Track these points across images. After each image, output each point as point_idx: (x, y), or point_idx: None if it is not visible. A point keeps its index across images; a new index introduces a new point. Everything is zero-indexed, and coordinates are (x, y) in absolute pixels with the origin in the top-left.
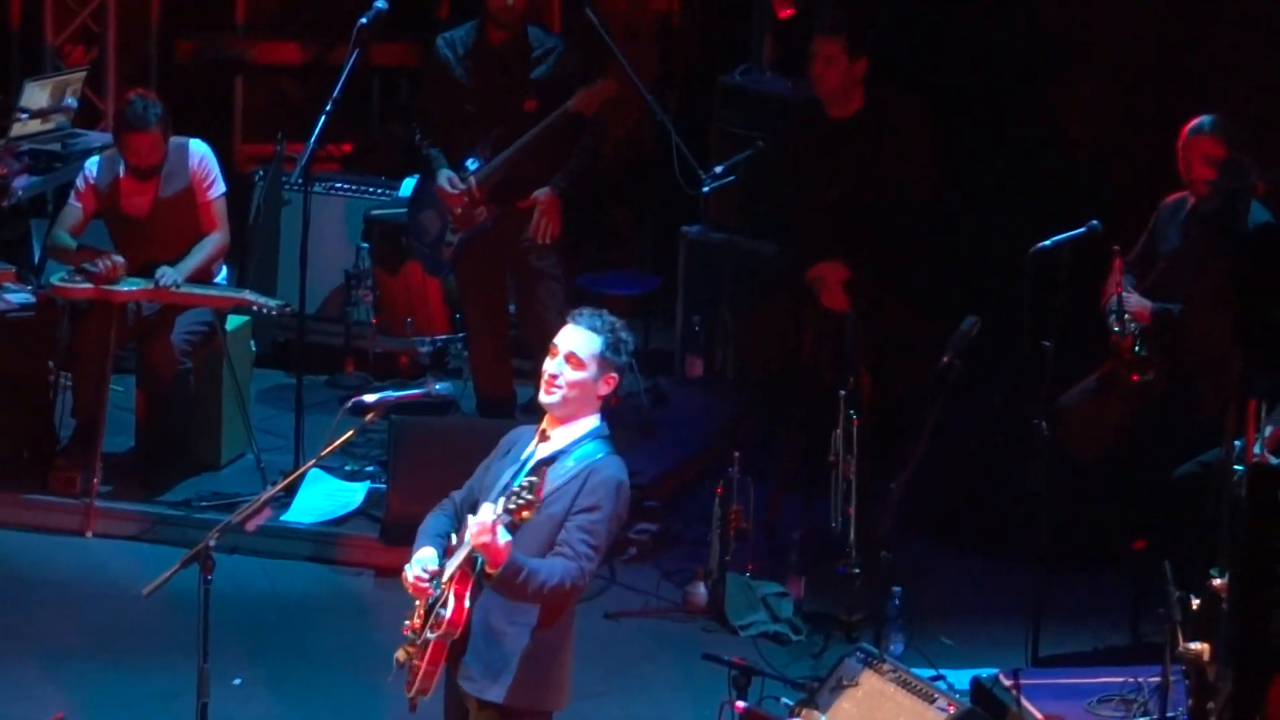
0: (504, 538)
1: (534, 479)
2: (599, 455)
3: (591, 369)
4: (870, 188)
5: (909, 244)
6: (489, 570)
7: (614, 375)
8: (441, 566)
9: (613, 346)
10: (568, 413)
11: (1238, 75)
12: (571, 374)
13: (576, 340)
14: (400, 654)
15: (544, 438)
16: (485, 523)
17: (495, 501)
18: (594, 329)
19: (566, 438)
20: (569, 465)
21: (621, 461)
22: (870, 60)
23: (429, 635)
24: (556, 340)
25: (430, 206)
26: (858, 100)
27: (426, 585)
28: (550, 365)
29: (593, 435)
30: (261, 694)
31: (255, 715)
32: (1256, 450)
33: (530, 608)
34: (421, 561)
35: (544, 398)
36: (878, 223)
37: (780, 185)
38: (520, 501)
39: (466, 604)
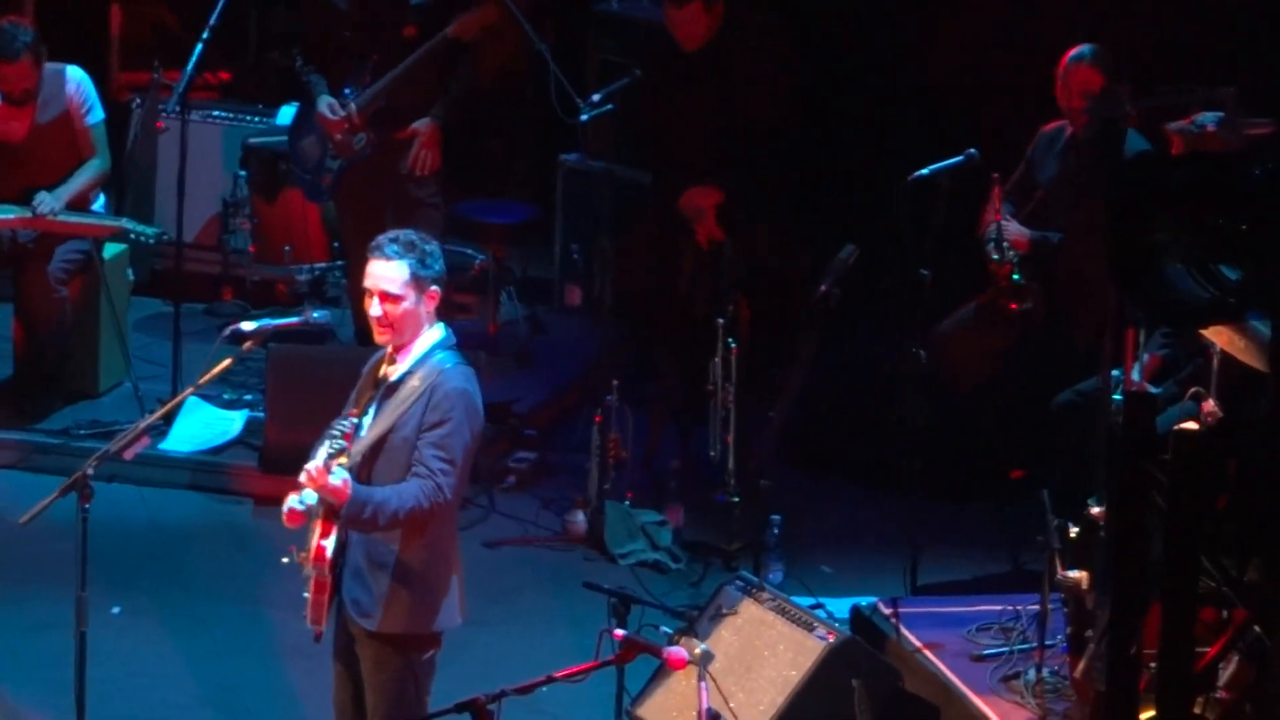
0: (338, 478)
1: (346, 424)
2: (444, 368)
3: (410, 296)
4: (727, 115)
5: (773, 170)
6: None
7: (434, 288)
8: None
9: (420, 263)
10: (405, 340)
11: (1116, 2)
12: (392, 309)
13: (385, 276)
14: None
15: (392, 361)
16: (312, 472)
17: (321, 445)
18: (396, 255)
19: (410, 358)
20: (413, 384)
21: (469, 370)
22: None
23: (308, 570)
24: (365, 281)
25: (310, 133)
26: (714, 30)
27: (301, 516)
28: (371, 309)
29: (438, 347)
30: (140, 623)
31: (134, 644)
32: (1135, 378)
33: (391, 534)
34: (297, 497)
35: (379, 340)
36: (740, 150)
37: (646, 114)
38: (337, 448)
39: (322, 541)
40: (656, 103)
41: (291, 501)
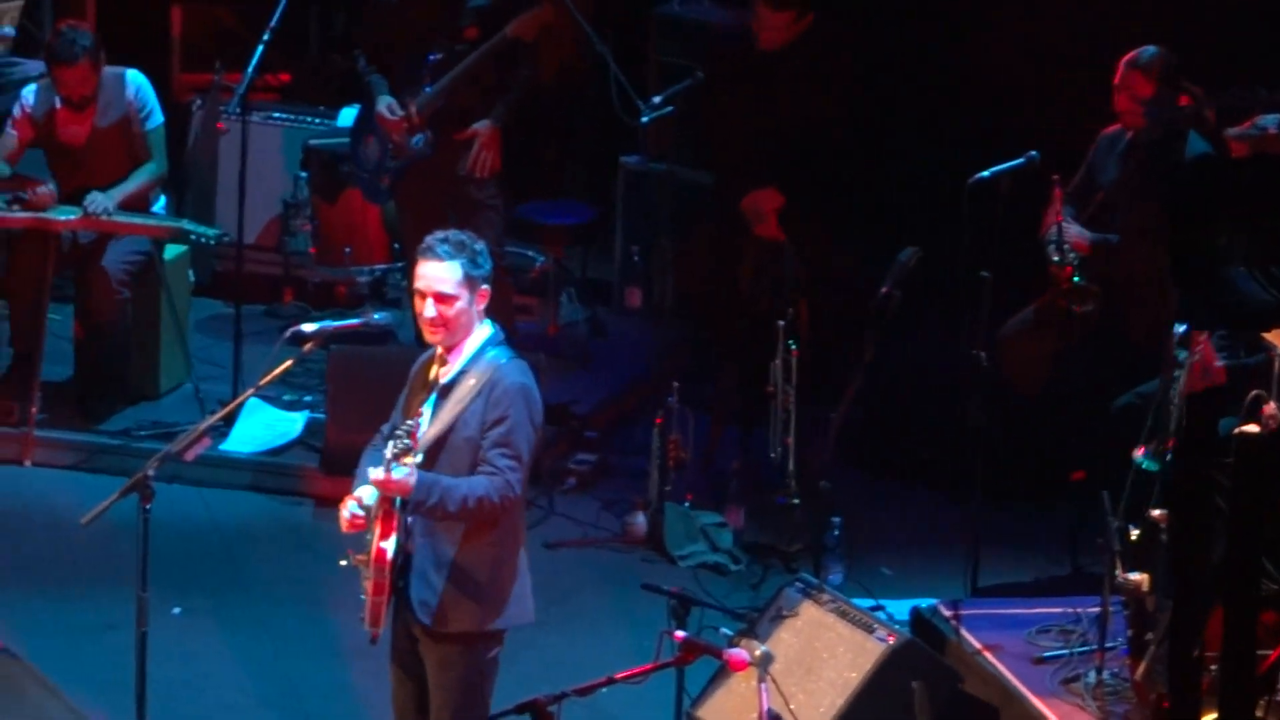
0: (398, 474)
1: (411, 424)
2: (500, 363)
3: (463, 296)
4: (794, 118)
5: (837, 174)
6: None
7: (485, 287)
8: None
9: (472, 263)
10: (457, 340)
11: (1180, 5)
12: (447, 310)
13: (438, 275)
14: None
15: (443, 362)
16: (378, 478)
17: (386, 445)
18: (448, 256)
19: (463, 357)
20: (470, 384)
21: (523, 364)
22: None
23: (367, 573)
24: (418, 283)
25: (371, 134)
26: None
27: (362, 521)
28: (424, 310)
29: (489, 345)
30: (201, 623)
31: (195, 645)
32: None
33: (456, 532)
34: (354, 502)
35: (431, 340)
36: (805, 153)
37: (710, 115)
38: (401, 447)
39: (382, 543)
40: (723, 102)
41: (351, 508)
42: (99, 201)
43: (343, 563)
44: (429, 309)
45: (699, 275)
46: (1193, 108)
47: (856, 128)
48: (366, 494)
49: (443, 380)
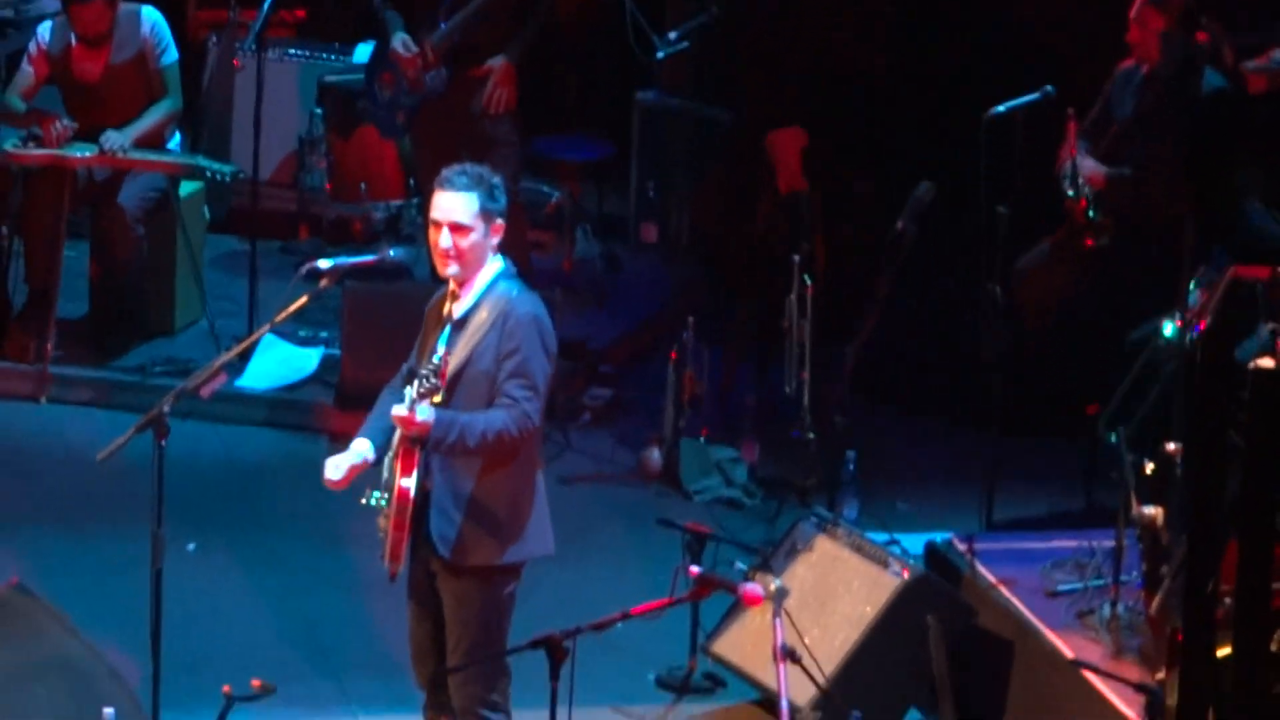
0: (422, 414)
1: (436, 362)
2: (511, 295)
3: (479, 228)
4: (829, 55)
5: (866, 112)
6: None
7: (500, 221)
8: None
9: (489, 195)
10: (471, 273)
11: None
12: (462, 241)
13: (454, 207)
14: (380, 519)
15: (455, 298)
16: (401, 415)
17: (412, 384)
18: (466, 188)
19: (475, 291)
20: (483, 317)
21: (535, 296)
22: None
23: (388, 510)
24: (434, 214)
25: (385, 69)
26: None
27: (342, 484)
28: (440, 239)
29: (500, 277)
30: (216, 560)
31: (210, 581)
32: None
33: (474, 466)
34: (335, 461)
35: (445, 271)
36: (835, 90)
37: (733, 52)
38: (427, 386)
39: (402, 481)
40: (751, 38)
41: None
42: (114, 139)
43: (363, 501)
44: (444, 239)
45: (715, 211)
46: (1210, 44)
47: (887, 65)
48: (358, 449)
49: (456, 315)
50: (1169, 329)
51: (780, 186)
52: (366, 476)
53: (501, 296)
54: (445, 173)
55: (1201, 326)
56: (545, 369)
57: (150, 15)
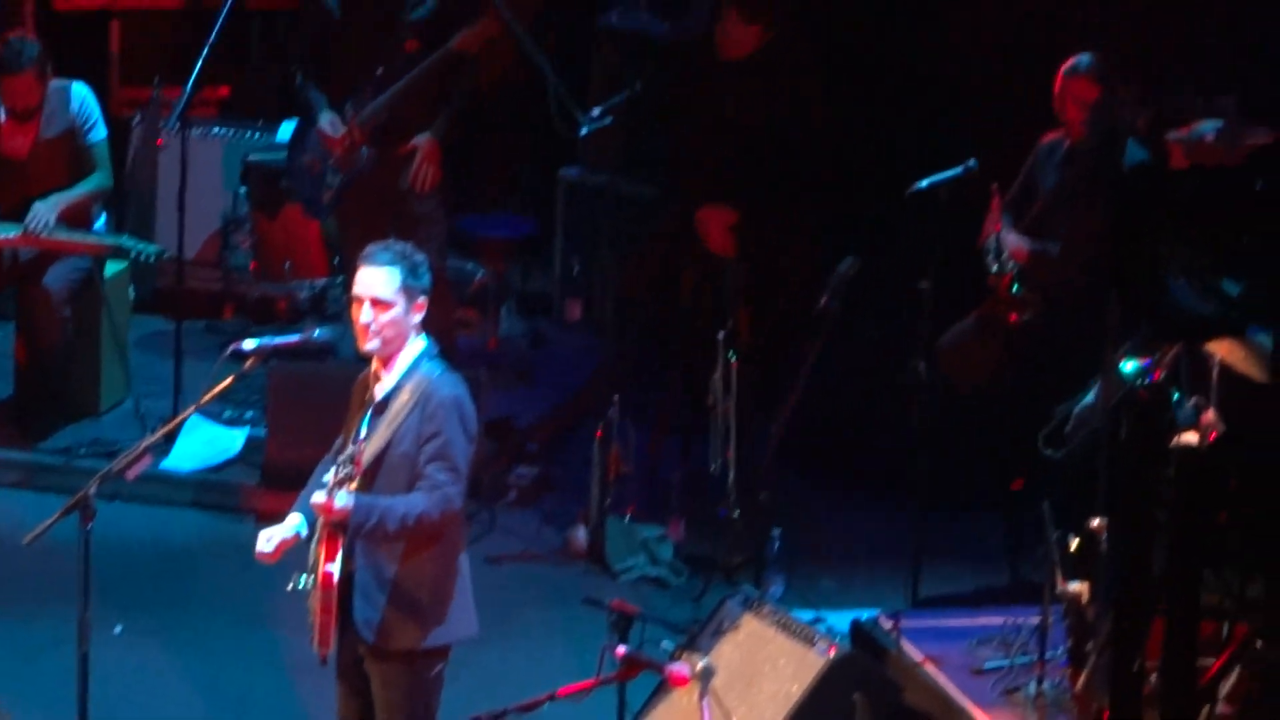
0: (341, 501)
1: (352, 449)
2: (433, 377)
3: (400, 304)
4: (764, 129)
5: (799, 186)
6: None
7: (422, 299)
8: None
9: (411, 272)
10: (391, 351)
11: (1117, 13)
12: (383, 316)
13: (376, 282)
14: (310, 604)
15: (378, 379)
16: (320, 502)
17: (330, 471)
18: (389, 263)
19: (397, 372)
20: (404, 399)
21: (457, 377)
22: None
23: (314, 595)
24: (356, 289)
25: (311, 149)
26: (751, 46)
27: (272, 557)
28: (361, 314)
29: (423, 357)
30: (143, 642)
31: (137, 663)
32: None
33: (397, 550)
34: (268, 536)
35: (366, 347)
36: (760, 167)
37: (660, 127)
38: (344, 473)
39: (328, 565)
40: (677, 113)
41: (263, 543)
42: (40, 215)
43: (289, 587)
44: (365, 314)
45: (640, 288)
46: (1125, 115)
47: (822, 137)
48: (290, 524)
49: (377, 397)
50: (1130, 366)
51: (708, 261)
52: (296, 558)
53: (424, 378)
54: (369, 248)
55: (1157, 376)
56: (466, 452)
57: (80, 91)
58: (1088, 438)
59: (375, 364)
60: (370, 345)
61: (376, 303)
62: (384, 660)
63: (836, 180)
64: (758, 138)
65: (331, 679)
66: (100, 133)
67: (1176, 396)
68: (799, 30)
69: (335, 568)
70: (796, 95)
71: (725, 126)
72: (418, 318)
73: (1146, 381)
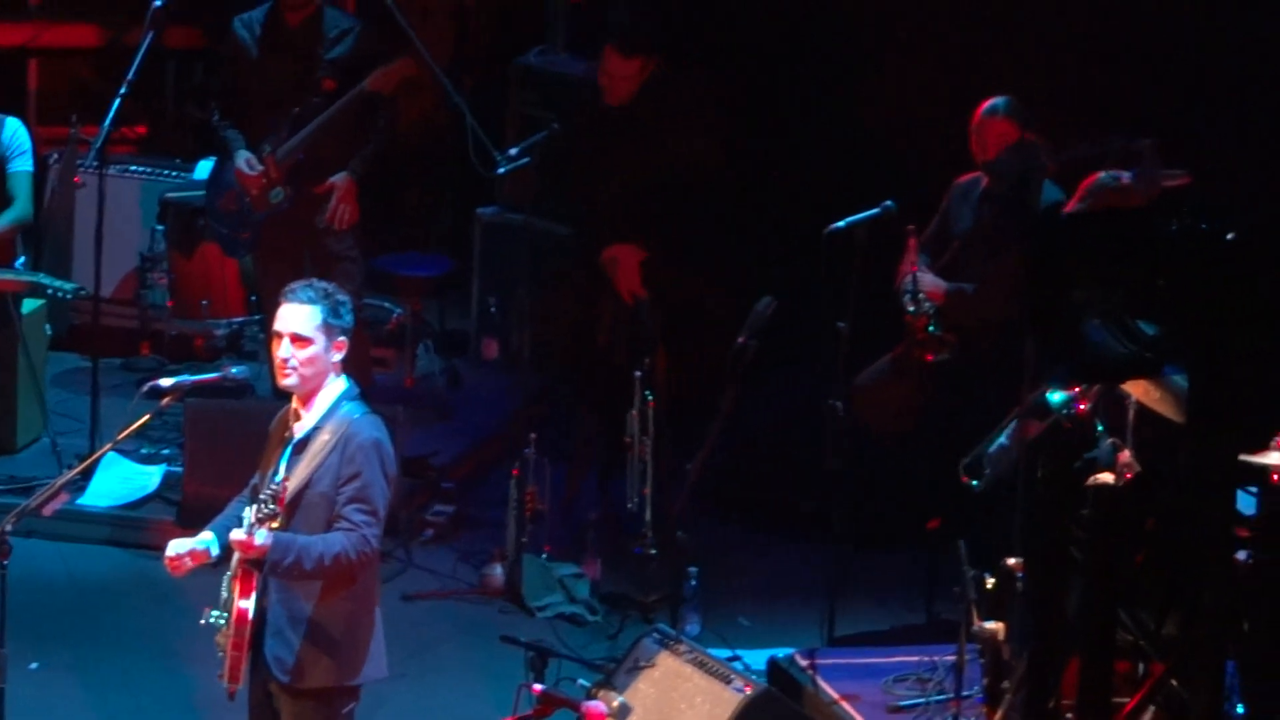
0: (260, 538)
1: (275, 487)
2: (353, 418)
3: (319, 341)
4: (651, 172)
5: (697, 225)
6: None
7: (342, 339)
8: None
9: (333, 311)
10: (310, 389)
11: (1031, 56)
12: (301, 353)
13: (296, 318)
14: (219, 638)
15: (297, 417)
16: (240, 539)
17: (250, 507)
18: (310, 300)
19: (317, 412)
20: (324, 439)
21: (377, 419)
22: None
23: (226, 630)
24: (276, 324)
25: (228, 188)
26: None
27: (178, 562)
28: (280, 351)
29: (343, 398)
30: (60, 678)
31: (54, 700)
32: (1002, 441)
33: (312, 589)
34: (178, 546)
35: (283, 383)
36: (663, 205)
37: (570, 168)
38: (266, 512)
39: (241, 602)
40: (582, 156)
41: (174, 549)
42: None
43: (202, 621)
44: (283, 349)
45: (556, 327)
46: (1040, 157)
47: (717, 181)
48: (202, 538)
49: (297, 436)
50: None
51: (622, 296)
52: (209, 594)
53: (344, 419)
54: (292, 285)
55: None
56: (385, 494)
57: (12, 124)
58: (1005, 475)
59: (295, 402)
60: (287, 381)
61: (296, 339)
62: (295, 699)
63: (750, 220)
64: (648, 180)
65: (242, 715)
66: (26, 164)
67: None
68: (689, 72)
69: (249, 604)
70: (680, 136)
71: (624, 168)
72: (338, 356)
73: (1071, 412)
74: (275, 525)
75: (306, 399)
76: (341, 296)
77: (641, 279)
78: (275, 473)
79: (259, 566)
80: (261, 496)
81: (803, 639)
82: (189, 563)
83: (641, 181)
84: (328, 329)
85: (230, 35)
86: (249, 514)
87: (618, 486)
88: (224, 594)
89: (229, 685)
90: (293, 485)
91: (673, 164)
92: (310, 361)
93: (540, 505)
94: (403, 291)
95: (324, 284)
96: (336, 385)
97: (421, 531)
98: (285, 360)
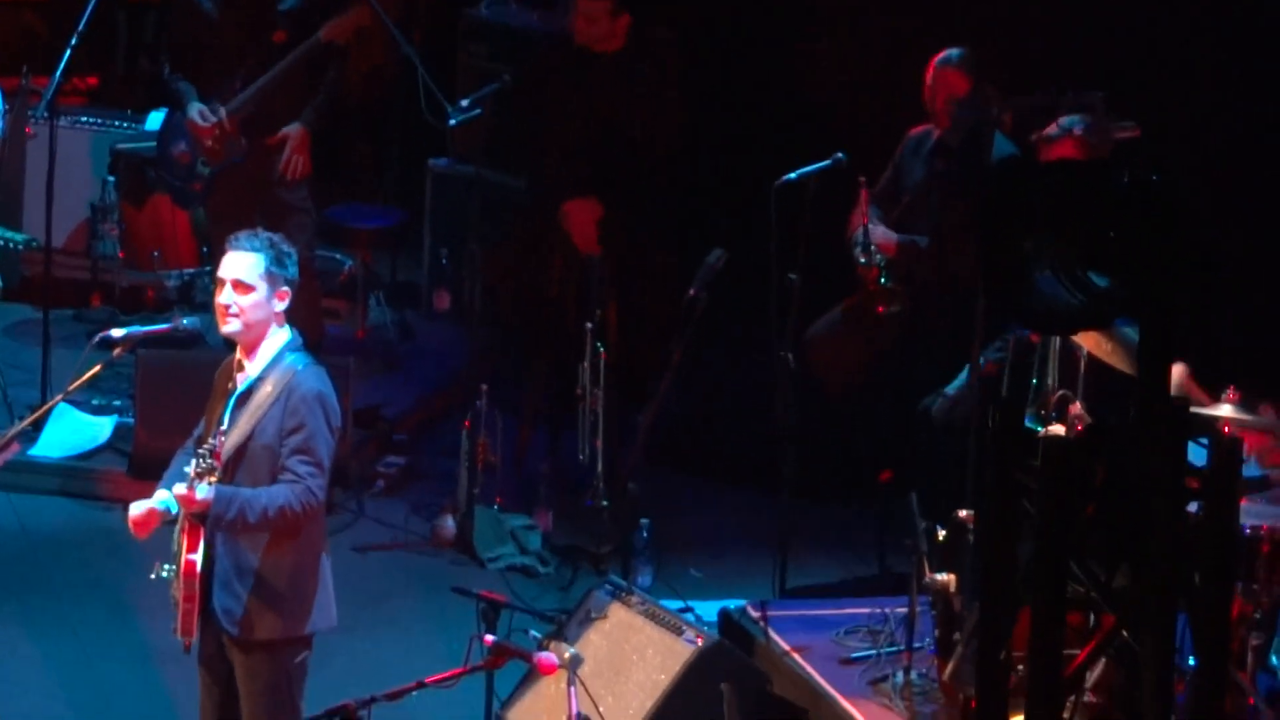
0: (202, 492)
1: (213, 443)
2: (296, 369)
3: (261, 289)
4: (624, 124)
5: (659, 181)
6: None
7: (285, 289)
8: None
9: (276, 260)
10: (253, 337)
11: (985, 6)
12: (243, 299)
13: (240, 265)
14: (173, 591)
15: (240, 368)
16: (181, 494)
17: (191, 461)
18: (254, 249)
19: (260, 363)
20: (267, 391)
21: (320, 370)
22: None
23: (177, 584)
24: (220, 271)
25: (181, 139)
26: (618, 40)
27: (142, 520)
28: (221, 297)
29: (286, 349)
30: (9, 629)
31: (4, 651)
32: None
33: (259, 541)
34: (144, 504)
35: (225, 329)
36: (629, 160)
37: (527, 119)
38: (204, 466)
39: (190, 555)
40: (540, 105)
41: (136, 509)
42: None
43: (152, 576)
44: (225, 295)
45: (508, 279)
46: (992, 109)
47: (680, 134)
48: (160, 498)
49: (239, 387)
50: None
51: (580, 250)
52: (160, 546)
53: (287, 370)
54: (236, 234)
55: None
56: (330, 445)
57: None
58: (960, 413)
59: (239, 353)
60: (229, 328)
61: (238, 284)
62: (246, 650)
63: (701, 172)
64: (618, 131)
65: (194, 666)
66: None
67: (1034, 383)
68: (659, 22)
69: (197, 557)
70: (656, 89)
71: (587, 120)
72: (280, 306)
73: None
74: (214, 479)
75: (250, 349)
76: (286, 247)
77: (599, 235)
78: (219, 425)
79: (204, 519)
80: (200, 451)
81: (754, 591)
82: (152, 523)
83: (605, 136)
84: (270, 277)
85: None
86: (190, 468)
87: (569, 438)
88: (174, 547)
89: (184, 639)
90: (235, 438)
91: (641, 122)
92: (253, 308)
93: (492, 457)
94: (354, 243)
95: (270, 234)
96: (280, 336)
97: (373, 483)
98: (227, 307)
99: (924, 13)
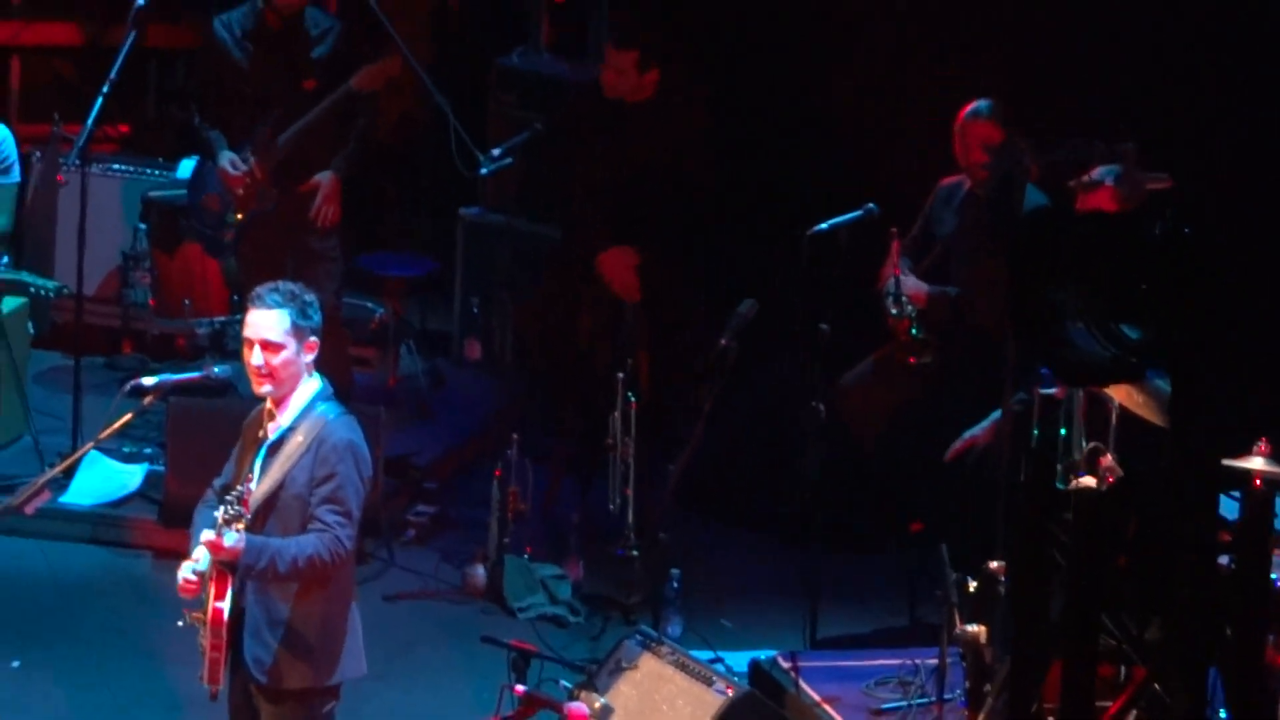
0: (230, 540)
1: (241, 490)
2: (328, 419)
3: (290, 345)
4: (653, 173)
5: (690, 229)
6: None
7: (313, 339)
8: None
9: (301, 313)
10: (285, 392)
11: (1014, 58)
12: (274, 359)
13: (266, 325)
14: (201, 639)
15: (271, 417)
16: (209, 541)
17: (218, 506)
18: (276, 305)
19: (291, 412)
20: (298, 440)
21: (352, 420)
22: (660, 68)
23: (204, 632)
24: (246, 331)
25: (211, 188)
26: (647, 91)
27: (194, 587)
28: (252, 359)
29: (318, 399)
30: (40, 676)
31: (34, 697)
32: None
33: (289, 590)
34: (191, 566)
35: (259, 390)
36: (660, 208)
37: (559, 168)
38: (232, 514)
39: (218, 603)
40: (572, 154)
41: (184, 572)
42: None
43: (180, 623)
44: (255, 356)
45: (538, 327)
46: (1023, 159)
47: (710, 182)
48: (201, 556)
49: (270, 436)
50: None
51: (606, 300)
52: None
53: (318, 419)
54: (257, 290)
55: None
56: (360, 495)
57: (2, 132)
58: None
59: (269, 402)
60: (264, 389)
61: (267, 345)
62: (274, 700)
63: (733, 222)
64: (649, 179)
65: (223, 714)
66: (14, 177)
67: (1064, 433)
68: (689, 72)
69: (225, 605)
70: (690, 140)
71: (618, 168)
72: (309, 357)
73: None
74: (241, 526)
75: (280, 400)
76: (308, 296)
77: (639, 282)
78: (249, 474)
79: (233, 568)
80: (229, 497)
81: (785, 641)
82: (198, 586)
83: (636, 180)
84: (297, 331)
85: (211, 35)
86: (218, 514)
87: (600, 488)
88: (201, 595)
89: (210, 687)
90: (266, 487)
91: (673, 167)
92: (283, 366)
93: (522, 506)
94: (385, 291)
95: (290, 285)
96: (310, 385)
97: (403, 532)
98: (258, 368)
99: (956, 63)
